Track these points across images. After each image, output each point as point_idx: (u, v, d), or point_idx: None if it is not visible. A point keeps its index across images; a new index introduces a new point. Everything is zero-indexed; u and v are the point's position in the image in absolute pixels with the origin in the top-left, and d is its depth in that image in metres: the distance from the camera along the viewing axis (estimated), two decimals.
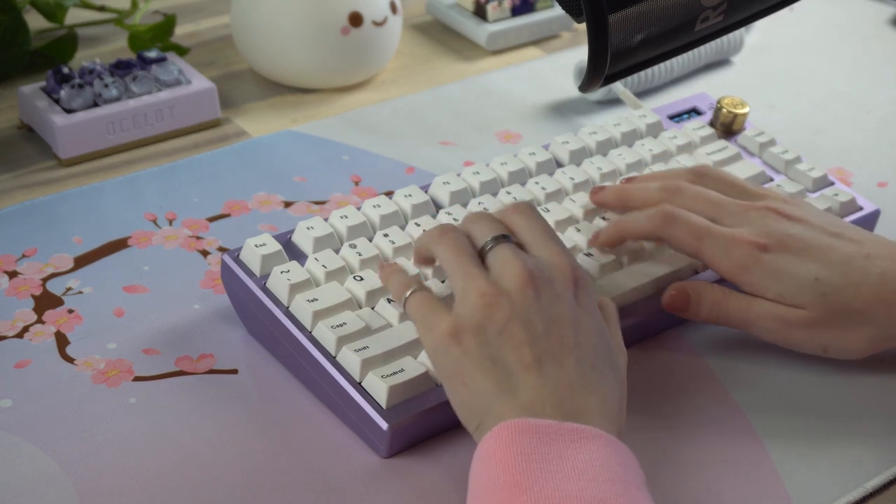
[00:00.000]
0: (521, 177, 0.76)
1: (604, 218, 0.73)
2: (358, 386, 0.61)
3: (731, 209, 0.68)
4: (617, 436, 0.54)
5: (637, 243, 0.71)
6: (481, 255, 0.60)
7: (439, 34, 1.05)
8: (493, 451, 0.52)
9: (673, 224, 0.67)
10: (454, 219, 0.71)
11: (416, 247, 0.64)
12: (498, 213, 0.63)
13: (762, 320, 0.66)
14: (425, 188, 0.74)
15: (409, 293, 0.60)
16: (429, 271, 0.66)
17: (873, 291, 0.65)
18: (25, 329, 0.68)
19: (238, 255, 0.67)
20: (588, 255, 0.69)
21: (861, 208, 0.78)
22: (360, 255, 0.67)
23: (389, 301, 0.64)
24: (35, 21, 0.96)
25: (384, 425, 0.59)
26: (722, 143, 0.82)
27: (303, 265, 0.66)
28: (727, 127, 0.84)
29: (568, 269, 0.59)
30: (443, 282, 0.65)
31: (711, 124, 0.85)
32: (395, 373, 0.60)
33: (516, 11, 1.03)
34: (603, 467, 0.51)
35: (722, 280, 0.68)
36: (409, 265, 0.66)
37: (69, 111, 0.83)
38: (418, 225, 0.70)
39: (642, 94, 0.95)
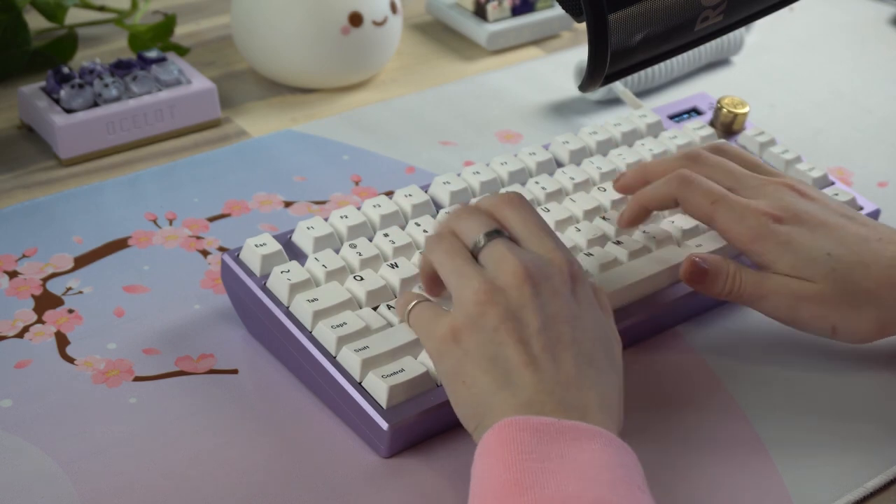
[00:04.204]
0: (521, 177, 0.76)
1: (604, 217, 0.73)
2: (358, 386, 0.61)
3: (748, 181, 0.69)
4: (616, 429, 0.54)
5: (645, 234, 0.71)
6: (474, 254, 0.59)
7: (439, 34, 1.05)
8: (495, 449, 0.52)
9: (689, 186, 0.67)
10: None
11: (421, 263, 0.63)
12: (488, 205, 0.61)
13: (774, 295, 0.66)
14: (425, 188, 0.74)
15: (410, 307, 0.60)
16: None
17: (884, 273, 0.65)
18: (25, 329, 0.68)
19: (238, 255, 0.67)
20: (589, 255, 0.69)
21: (861, 208, 0.78)
22: (360, 254, 0.67)
23: (390, 307, 0.64)
24: (35, 21, 0.96)
25: (384, 425, 0.59)
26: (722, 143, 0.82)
27: (303, 265, 0.66)
28: (727, 127, 0.84)
29: (565, 264, 0.58)
30: None
31: (711, 124, 0.85)
32: (395, 373, 0.60)
33: (516, 11, 1.03)
34: (604, 468, 0.51)
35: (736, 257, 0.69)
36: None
37: (69, 111, 0.83)
38: (418, 225, 0.70)
39: (642, 94, 0.95)
